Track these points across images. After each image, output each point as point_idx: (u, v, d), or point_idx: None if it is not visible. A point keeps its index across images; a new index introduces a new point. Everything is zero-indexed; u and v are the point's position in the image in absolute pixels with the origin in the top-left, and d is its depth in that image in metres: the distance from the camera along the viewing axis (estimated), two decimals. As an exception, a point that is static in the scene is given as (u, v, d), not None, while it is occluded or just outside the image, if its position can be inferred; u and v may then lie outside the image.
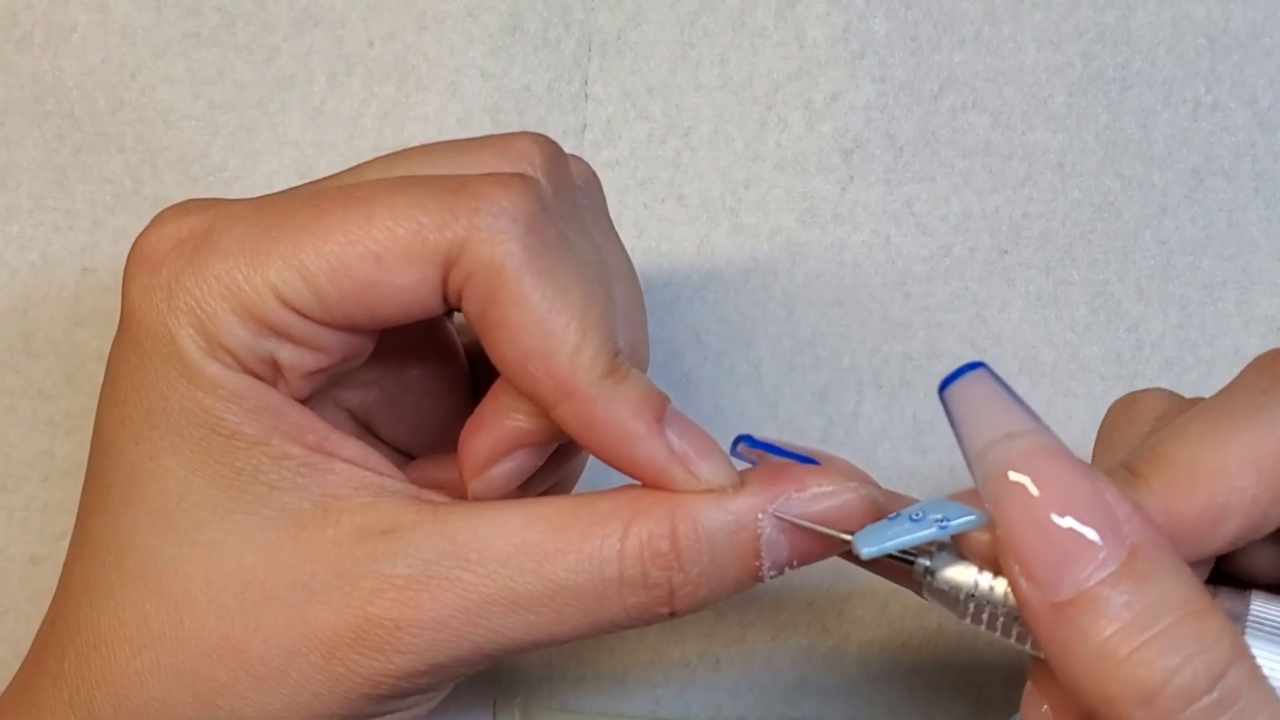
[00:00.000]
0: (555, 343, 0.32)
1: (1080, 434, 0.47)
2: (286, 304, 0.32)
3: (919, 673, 0.46)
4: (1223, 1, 0.48)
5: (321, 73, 0.47)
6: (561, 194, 0.35)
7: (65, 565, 0.36)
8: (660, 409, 0.33)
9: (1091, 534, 0.29)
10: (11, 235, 0.46)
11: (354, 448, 0.34)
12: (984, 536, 0.31)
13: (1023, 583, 0.29)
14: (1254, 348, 0.47)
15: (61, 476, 0.46)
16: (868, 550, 0.31)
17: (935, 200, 0.47)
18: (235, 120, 0.47)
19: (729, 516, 0.32)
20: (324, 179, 0.36)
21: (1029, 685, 0.33)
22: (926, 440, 0.47)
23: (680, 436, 0.33)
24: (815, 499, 0.32)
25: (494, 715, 0.46)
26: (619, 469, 0.33)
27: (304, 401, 0.34)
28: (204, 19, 0.47)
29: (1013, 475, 0.29)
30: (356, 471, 0.33)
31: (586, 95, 0.47)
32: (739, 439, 0.35)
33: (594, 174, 0.38)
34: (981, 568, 0.31)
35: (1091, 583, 0.29)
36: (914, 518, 0.31)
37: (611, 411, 0.32)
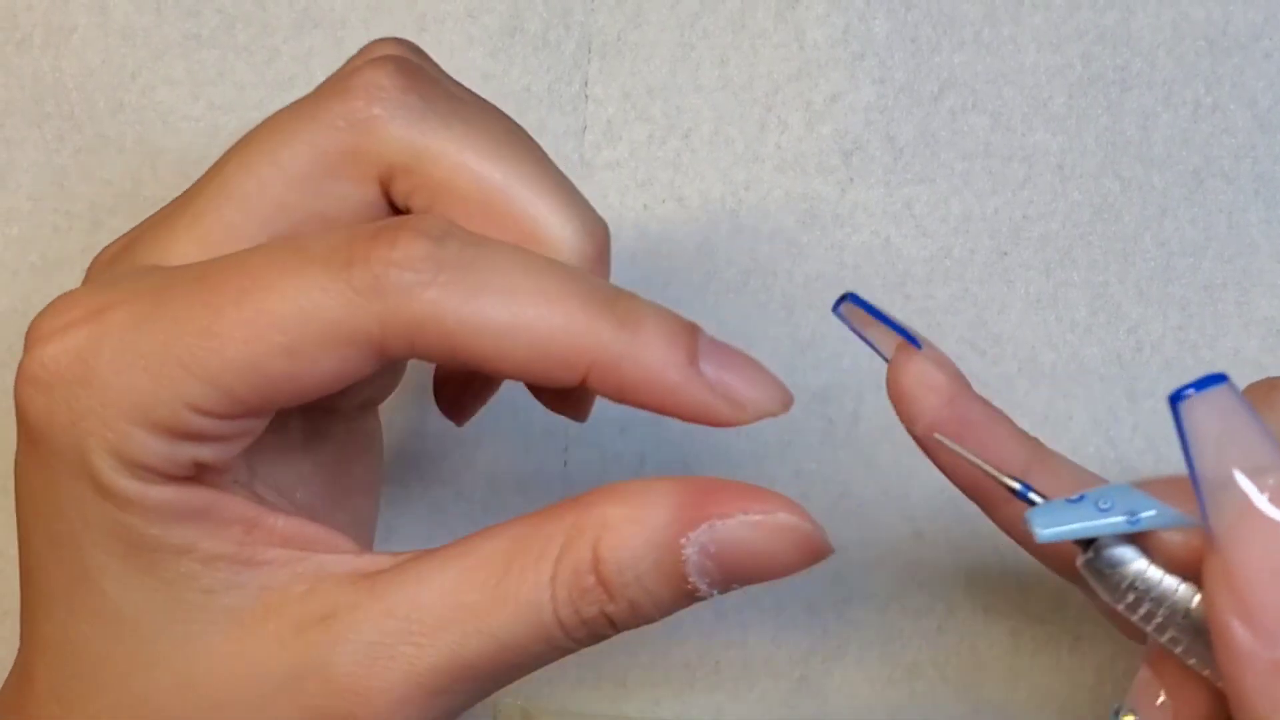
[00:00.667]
0: (545, 339, 0.30)
1: (1080, 435, 0.47)
2: (201, 411, 0.30)
3: (919, 675, 0.46)
4: (1223, 3, 0.48)
5: (322, 74, 0.46)
6: (432, 96, 0.33)
7: (23, 660, 0.34)
8: (691, 347, 0.31)
9: None
10: (11, 237, 0.46)
11: (286, 524, 0.32)
12: (1176, 539, 0.30)
13: (1237, 626, 0.28)
14: (1254, 350, 0.47)
15: (61, 478, 0.46)
16: (1044, 534, 0.29)
17: (935, 202, 0.47)
18: (235, 122, 0.47)
19: (649, 547, 0.30)
20: (182, 207, 0.33)
21: (1144, 673, 0.32)
22: (926, 441, 0.47)
23: (720, 369, 0.31)
24: (742, 527, 0.30)
25: (494, 716, 0.46)
26: (663, 414, 0.31)
27: (228, 473, 0.32)
28: (204, 20, 0.47)
29: (1261, 518, 0.28)
30: (291, 555, 0.32)
31: (586, 96, 0.47)
32: (844, 297, 0.34)
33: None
34: (1154, 560, 0.30)
35: None
36: (1101, 505, 0.30)
37: (640, 369, 0.30)
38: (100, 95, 0.46)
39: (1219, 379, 0.29)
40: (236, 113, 0.47)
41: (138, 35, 0.47)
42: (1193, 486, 0.29)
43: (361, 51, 0.35)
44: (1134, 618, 0.30)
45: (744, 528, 0.30)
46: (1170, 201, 0.48)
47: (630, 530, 0.31)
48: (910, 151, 0.47)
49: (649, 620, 0.31)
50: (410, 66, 0.33)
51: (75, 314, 0.31)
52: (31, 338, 0.31)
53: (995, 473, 0.31)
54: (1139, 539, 0.30)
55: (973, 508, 0.36)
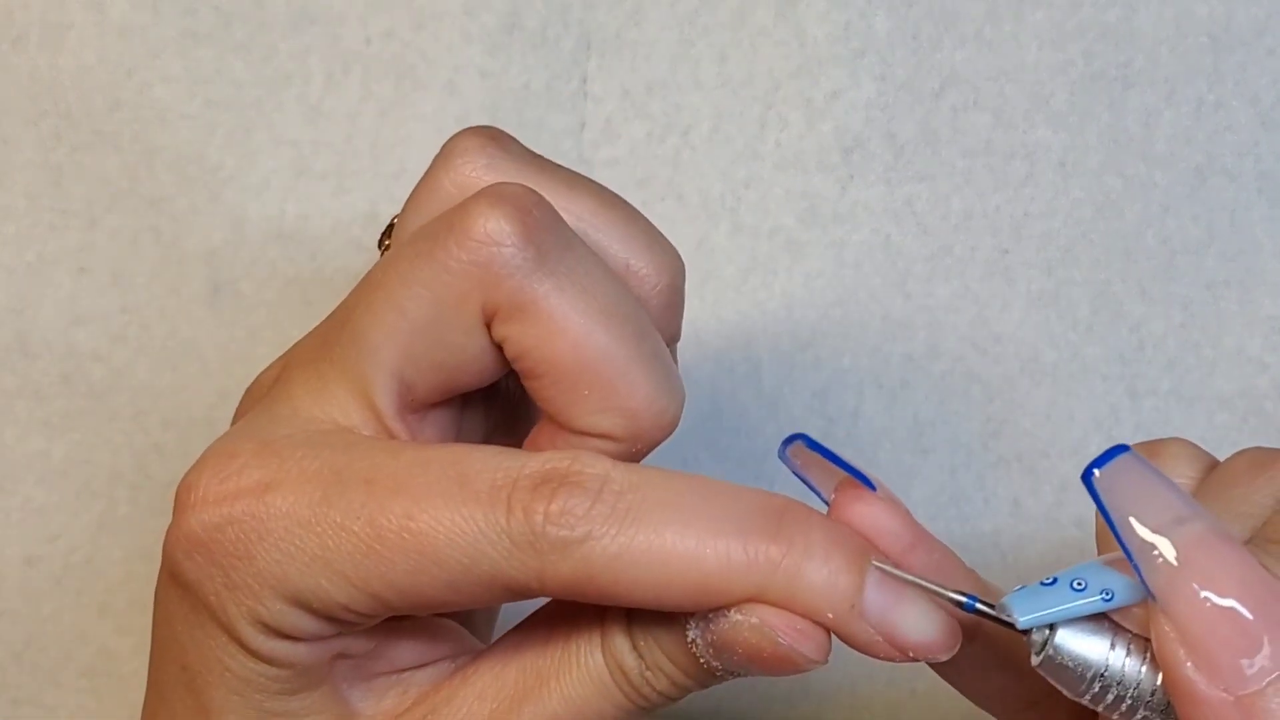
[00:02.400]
0: (699, 584, 0.30)
1: (1081, 434, 0.46)
2: (353, 611, 0.31)
3: (918, 675, 0.46)
4: (1225, 0, 0.47)
5: (319, 71, 0.47)
6: (548, 247, 0.33)
7: None
8: (855, 589, 0.30)
9: (1274, 622, 0.28)
10: (7, 235, 0.46)
11: (410, 649, 0.34)
12: (1139, 611, 0.30)
13: (1195, 674, 0.28)
14: (1257, 348, 0.47)
15: (57, 477, 0.46)
16: (1026, 619, 0.29)
17: (936, 199, 0.47)
18: (232, 119, 0.46)
19: (656, 617, 0.31)
20: (326, 351, 0.34)
21: None
22: (927, 441, 0.47)
23: (885, 610, 0.31)
24: (731, 626, 0.30)
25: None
26: None
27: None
28: (201, 18, 0.47)
29: (1190, 564, 0.28)
30: (404, 677, 0.34)
31: (585, 94, 0.47)
32: (793, 437, 0.33)
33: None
34: (1114, 644, 0.30)
35: (1276, 675, 0.28)
36: (1076, 586, 0.30)
37: (799, 607, 0.30)
38: (97, 93, 0.46)
39: (1121, 449, 0.29)
40: (234, 110, 0.46)
41: (134, 32, 0.46)
42: (1125, 556, 0.29)
43: (449, 150, 0.35)
44: (1100, 707, 0.30)
45: (730, 627, 0.30)
46: (1172, 199, 0.47)
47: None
48: (911, 149, 0.47)
49: (695, 689, 0.32)
50: (528, 211, 0.32)
51: (241, 483, 0.31)
52: (193, 495, 0.32)
53: (940, 589, 0.31)
54: (1107, 622, 0.30)
55: (972, 508, 0.35)
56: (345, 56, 0.47)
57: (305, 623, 0.31)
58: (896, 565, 0.31)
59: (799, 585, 0.30)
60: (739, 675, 0.31)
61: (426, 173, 0.35)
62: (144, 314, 0.47)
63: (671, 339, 0.36)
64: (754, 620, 0.30)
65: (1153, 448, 0.35)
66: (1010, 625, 0.30)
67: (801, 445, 0.32)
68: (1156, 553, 0.29)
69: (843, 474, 0.32)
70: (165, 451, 0.47)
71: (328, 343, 0.34)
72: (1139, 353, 0.47)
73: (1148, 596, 0.29)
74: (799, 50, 0.47)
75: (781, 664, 0.31)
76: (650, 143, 0.47)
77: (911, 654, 0.31)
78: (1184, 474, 0.34)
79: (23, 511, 0.46)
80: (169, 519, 0.44)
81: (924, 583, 0.31)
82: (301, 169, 0.47)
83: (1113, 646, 0.30)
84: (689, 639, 0.31)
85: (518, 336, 0.32)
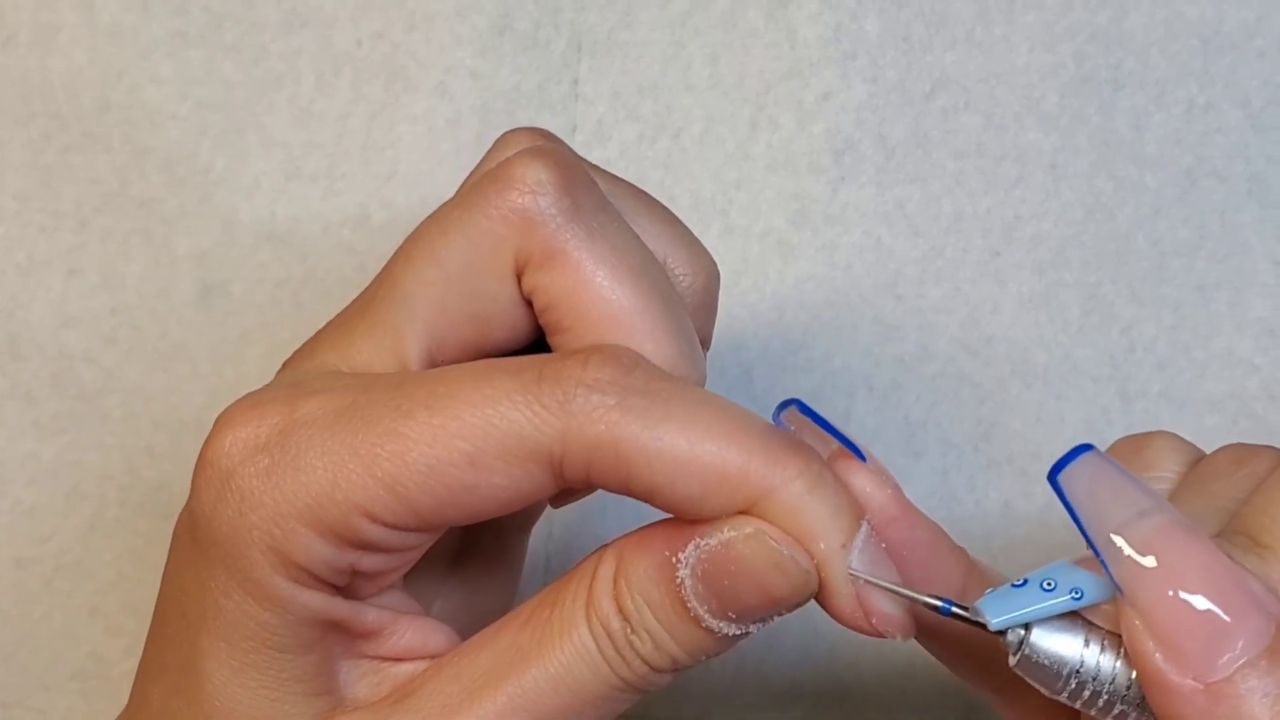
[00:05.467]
0: (719, 474, 0.30)
1: (1072, 436, 0.46)
2: (374, 519, 0.30)
3: (911, 678, 0.46)
4: (1215, 2, 0.47)
5: (310, 73, 0.47)
6: (583, 202, 0.33)
7: (129, 715, 0.35)
8: (849, 532, 0.31)
9: (1240, 611, 0.28)
10: (-3, 236, 0.46)
11: (412, 637, 0.33)
12: (1109, 608, 0.30)
13: (1164, 664, 0.29)
14: (1247, 350, 0.47)
15: (47, 479, 0.46)
16: (998, 621, 0.30)
17: (927, 201, 0.47)
18: (223, 120, 0.46)
19: (650, 568, 0.31)
20: (361, 308, 0.34)
21: None
22: (919, 443, 0.47)
23: (865, 566, 0.31)
24: (720, 545, 0.30)
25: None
26: None
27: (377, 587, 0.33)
28: (191, 19, 0.46)
29: (1154, 555, 0.29)
30: (403, 667, 0.33)
31: (577, 95, 0.47)
32: (787, 402, 0.33)
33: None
34: (1088, 642, 0.30)
35: (1244, 659, 0.28)
36: (1046, 586, 0.30)
37: (792, 527, 0.30)
38: (87, 94, 0.46)
39: (1084, 448, 0.30)
40: (224, 111, 0.46)
41: (125, 34, 0.46)
42: (1092, 552, 0.29)
43: (502, 141, 0.35)
44: (1078, 704, 0.30)
45: (722, 545, 0.30)
46: (1163, 201, 0.47)
47: (636, 554, 0.31)
48: (902, 151, 0.47)
49: (681, 662, 0.31)
50: (568, 165, 0.33)
51: (267, 408, 0.31)
52: (221, 421, 0.31)
53: (915, 595, 0.31)
54: (1080, 620, 0.30)
55: (964, 510, 0.36)
56: (336, 58, 0.46)
57: (320, 549, 0.30)
58: (883, 535, 0.32)
59: (805, 504, 0.30)
60: (722, 631, 0.31)
61: (479, 163, 0.35)
62: (134, 315, 0.47)
63: (703, 342, 0.36)
64: (749, 530, 0.30)
65: (1139, 441, 0.35)
66: (983, 627, 0.30)
67: (795, 410, 0.33)
68: (1121, 547, 0.29)
69: (835, 443, 0.33)
70: (156, 453, 0.46)
71: (362, 302, 0.34)
72: (1130, 355, 0.47)
73: (1116, 592, 0.29)
74: (790, 52, 0.47)
75: (768, 587, 0.30)
76: (641, 144, 0.47)
77: (875, 623, 0.31)
78: (1169, 467, 0.35)
79: (13, 513, 0.46)
80: (160, 521, 0.44)
81: (901, 590, 0.31)
82: (292, 171, 0.46)
83: (1086, 644, 0.30)
84: (678, 580, 0.30)
85: (547, 285, 0.32)
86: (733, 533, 0.30)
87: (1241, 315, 0.47)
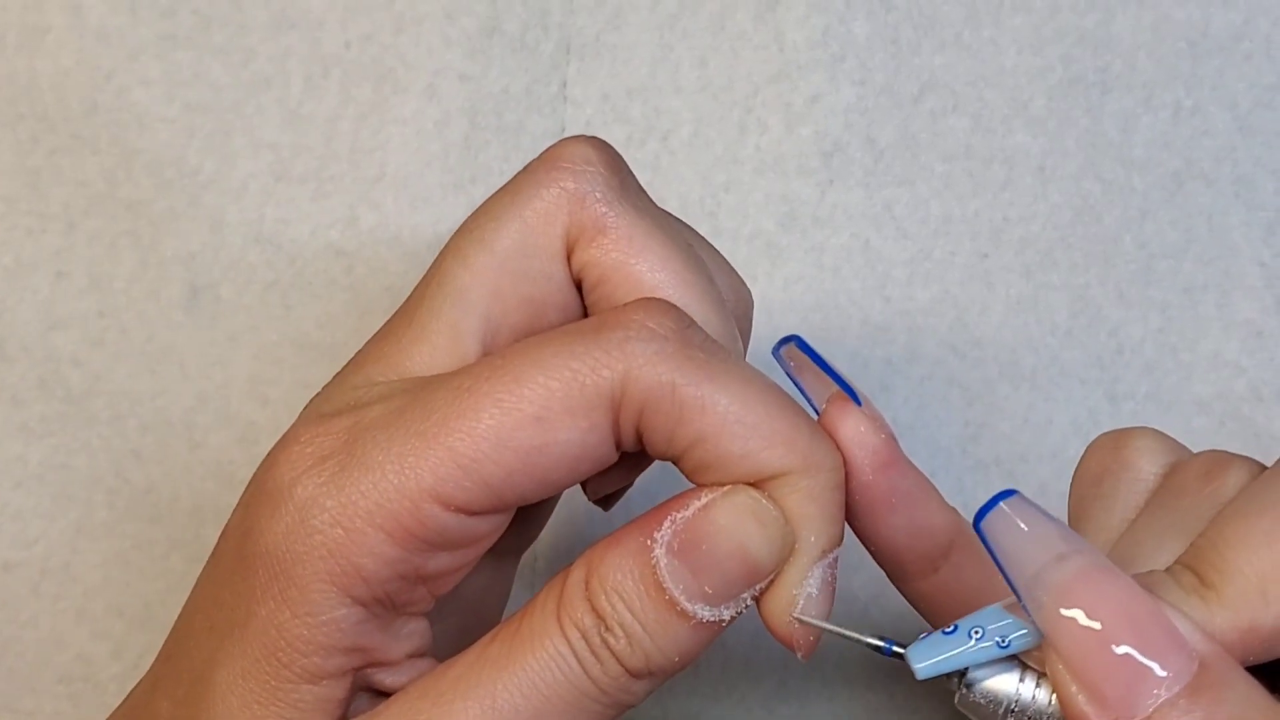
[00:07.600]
0: (767, 435, 0.31)
1: (1060, 438, 0.46)
2: (446, 504, 0.30)
3: (897, 679, 0.46)
4: (1203, 5, 0.48)
5: (298, 75, 0.46)
6: (630, 184, 0.34)
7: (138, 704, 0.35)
8: (837, 541, 0.32)
9: (1160, 651, 0.29)
10: (-15, 238, 0.46)
11: (409, 668, 0.33)
12: (1037, 651, 0.30)
13: (1087, 706, 0.29)
14: (1234, 352, 0.47)
15: (35, 482, 0.46)
16: (923, 669, 0.30)
17: (915, 204, 0.47)
18: (211, 123, 0.46)
19: (623, 557, 0.31)
20: (407, 315, 0.34)
21: None
22: (906, 445, 0.46)
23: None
24: (696, 516, 0.31)
25: None
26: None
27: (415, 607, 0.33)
28: (179, 21, 0.46)
29: (1072, 599, 0.29)
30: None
31: (565, 98, 0.47)
32: (787, 339, 0.34)
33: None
34: (1023, 678, 0.31)
35: (1163, 699, 0.28)
36: (973, 634, 0.30)
37: (816, 510, 0.31)
38: (75, 96, 0.46)
39: (1005, 494, 0.30)
40: (212, 114, 0.46)
41: (112, 36, 0.46)
42: (1015, 596, 0.30)
43: (562, 173, 0.35)
44: None
45: (701, 508, 0.31)
46: (1151, 204, 0.47)
47: (607, 553, 0.31)
48: (890, 153, 0.47)
49: (656, 662, 0.31)
50: (613, 151, 0.34)
51: (336, 421, 0.31)
52: (285, 440, 0.32)
53: (857, 636, 0.32)
54: (1016, 658, 0.31)
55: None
56: (325, 60, 0.46)
57: (388, 551, 0.30)
58: (874, 481, 0.33)
59: (823, 495, 0.31)
60: (698, 616, 0.31)
61: (529, 166, 0.35)
62: (122, 318, 0.46)
63: None
64: (728, 488, 0.31)
65: (1120, 438, 0.36)
66: (913, 674, 0.31)
67: (794, 347, 0.34)
68: (1041, 591, 0.29)
69: (833, 385, 0.33)
70: (143, 456, 0.46)
71: (408, 309, 0.34)
72: (1117, 356, 0.47)
73: (1040, 637, 0.30)
74: (778, 55, 0.47)
75: (745, 542, 0.31)
76: (630, 146, 0.47)
77: (799, 645, 0.32)
78: (1146, 468, 0.35)
79: None
80: (148, 524, 0.44)
81: (846, 633, 0.32)
82: (281, 173, 0.46)
83: (1021, 679, 0.31)
84: (653, 560, 0.30)
85: (599, 258, 0.33)
86: (711, 495, 0.31)
87: (1229, 317, 0.47)
